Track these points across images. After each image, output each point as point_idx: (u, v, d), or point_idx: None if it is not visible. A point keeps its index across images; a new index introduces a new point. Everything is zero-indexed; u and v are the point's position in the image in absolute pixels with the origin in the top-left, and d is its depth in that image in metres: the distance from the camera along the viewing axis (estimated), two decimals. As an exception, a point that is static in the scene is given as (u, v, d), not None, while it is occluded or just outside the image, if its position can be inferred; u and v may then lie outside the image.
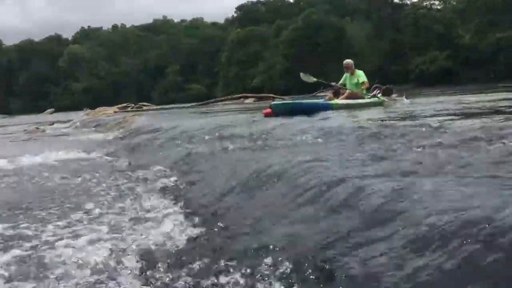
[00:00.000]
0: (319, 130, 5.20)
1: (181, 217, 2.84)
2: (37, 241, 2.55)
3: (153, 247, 2.34)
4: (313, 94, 12.20)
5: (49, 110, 46.47)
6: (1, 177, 4.99)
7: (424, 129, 4.47)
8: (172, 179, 4.15)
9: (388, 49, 53.17)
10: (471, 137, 3.68)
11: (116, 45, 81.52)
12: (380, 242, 1.69)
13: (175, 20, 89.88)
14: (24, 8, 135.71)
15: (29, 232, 2.72)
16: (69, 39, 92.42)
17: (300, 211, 2.29)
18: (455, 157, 2.97)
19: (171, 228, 2.64)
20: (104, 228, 2.70)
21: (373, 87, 10.06)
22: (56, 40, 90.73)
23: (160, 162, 5.06)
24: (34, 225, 2.87)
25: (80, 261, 2.18)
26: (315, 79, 10.18)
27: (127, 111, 21.18)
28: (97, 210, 3.16)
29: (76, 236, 2.58)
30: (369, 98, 9.64)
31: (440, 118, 5.55)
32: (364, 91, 9.68)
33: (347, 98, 9.31)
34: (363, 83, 9.65)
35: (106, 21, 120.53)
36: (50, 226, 2.82)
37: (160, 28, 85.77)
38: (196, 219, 2.74)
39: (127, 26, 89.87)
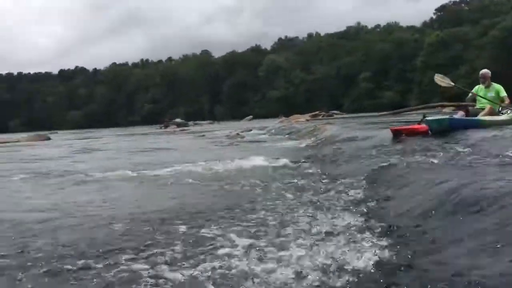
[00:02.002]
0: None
1: (374, 237, 2.68)
2: (228, 251, 2.64)
3: (337, 265, 2.25)
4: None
5: (247, 118, 50.31)
6: (198, 180, 5.49)
7: None
8: (364, 192, 4.01)
9: None
10: None
11: (310, 54, 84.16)
12: None
13: (369, 26, 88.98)
14: (231, 23, 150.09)
15: (212, 237, 2.87)
16: (268, 49, 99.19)
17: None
18: None
19: (361, 247, 2.51)
20: (290, 243, 2.68)
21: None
22: (256, 51, 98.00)
23: (350, 174, 4.96)
24: (215, 231, 3.01)
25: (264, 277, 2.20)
26: (452, 84, 8.78)
27: (318, 119, 21.63)
28: (283, 220, 3.21)
29: (260, 249, 2.60)
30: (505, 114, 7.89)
31: None
32: (498, 107, 7.99)
33: (488, 114, 7.71)
34: (502, 98, 7.94)
35: (302, 30, 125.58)
36: (232, 234, 2.91)
37: (354, 35, 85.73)
38: (390, 240, 2.55)
39: (321, 34, 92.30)
